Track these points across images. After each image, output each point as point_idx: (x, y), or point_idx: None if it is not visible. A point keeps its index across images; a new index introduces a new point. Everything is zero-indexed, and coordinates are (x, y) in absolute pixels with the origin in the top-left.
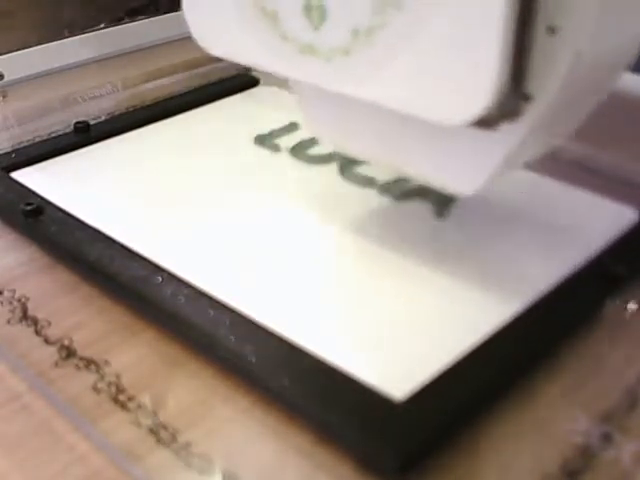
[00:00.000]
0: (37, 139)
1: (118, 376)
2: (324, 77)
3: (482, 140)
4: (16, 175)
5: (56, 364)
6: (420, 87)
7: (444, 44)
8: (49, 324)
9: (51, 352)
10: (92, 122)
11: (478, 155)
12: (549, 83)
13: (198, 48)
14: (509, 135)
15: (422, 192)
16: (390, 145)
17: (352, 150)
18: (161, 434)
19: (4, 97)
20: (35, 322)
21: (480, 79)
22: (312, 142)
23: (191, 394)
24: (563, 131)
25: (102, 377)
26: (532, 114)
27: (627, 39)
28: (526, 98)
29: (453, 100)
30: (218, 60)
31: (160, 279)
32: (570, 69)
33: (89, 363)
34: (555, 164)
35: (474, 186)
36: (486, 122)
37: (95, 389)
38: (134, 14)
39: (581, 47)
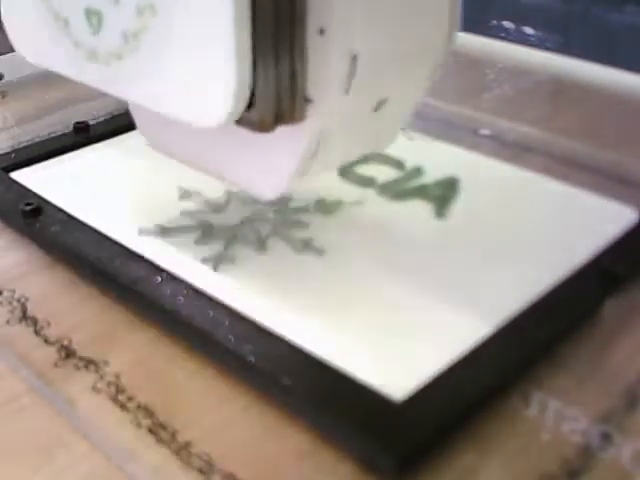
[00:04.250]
0: (37, 139)
1: (117, 376)
2: (105, 82)
3: (278, 144)
4: (16, 175)
5: (55, 364)
6: (176, 90)
7: (191, 49)
8: (48, 324)
9: (51, 352)
10: (92, 122)
11: (276, 159)
12: (327, 85)
13: None
14: (299, 137)
15: (422, 192)
16: (206, 151)
17: (175, 156)
18: (160, 434)
19: (4, 97)
20: (34, 322)
21: (220, 85)
22: None
23: (190, 394)
24: (384, 134)
25: (102, 377)
26: (317, 116)
27: (409, 43)
28: (307, 100)
29: (201, 104)
30: None
31: (160, 279)
32: (345, 70)
33: (89, 363)
34: (555, 164)
35: (277, 189)
36: (262, 125)
37: (95, 389)
38: None
39: (353, 47)
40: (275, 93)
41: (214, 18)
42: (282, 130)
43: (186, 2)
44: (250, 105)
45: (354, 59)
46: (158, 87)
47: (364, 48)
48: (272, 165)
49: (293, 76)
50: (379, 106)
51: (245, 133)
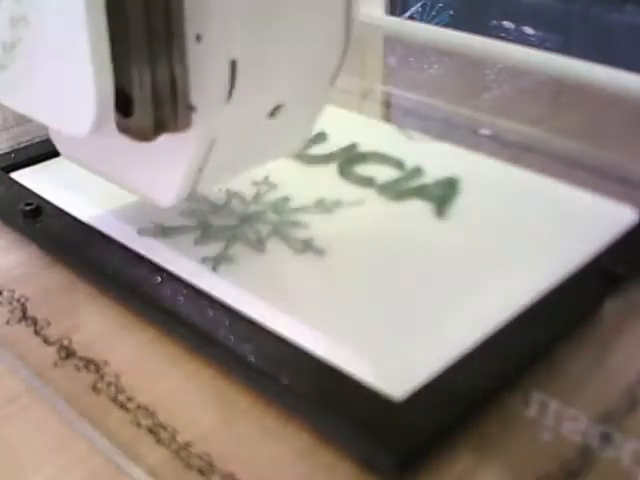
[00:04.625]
0: (37, 139)
1: (117, 376)
2: None
3: (166, 153)
4: (16, 175)
5: (55, 364)
6: (48, 99)
7: (58, 59)
8: (48, 324)
9: (50, 352)
10: None
11: (165, 168)
12: (209, 92)
13: None
14: (187, 145)
15: (422, 192)
16: (106, 161)
17: (85, 166)
18: (160, 434)
19: None
20: (34, 322)
21: (81, 94)
22: (311, 142)
23: (190, 394)
24: (289, 139)
25: (102, 377)
26: (202, 123)
27: (300, 47)
28: (191, 108)
29: (68, 113)
30: None
31: (160, 279)
32: (225, 77)
33: (88, 363)
34: (555, 164)
35: (171, 197)
36: (143, 133)
37: (95, 389)
38: None
39: (232, 53)
40: (153, 100)
41: (73, 31)
42: (169, 138)
43: (52, 13)
44: (130, 113)
45: (233, 65)
46: (33, 95)
47: (245, 54)
48: (162, 173)
49: (173, 83)
50: (275, 112)
51: (136, 142)
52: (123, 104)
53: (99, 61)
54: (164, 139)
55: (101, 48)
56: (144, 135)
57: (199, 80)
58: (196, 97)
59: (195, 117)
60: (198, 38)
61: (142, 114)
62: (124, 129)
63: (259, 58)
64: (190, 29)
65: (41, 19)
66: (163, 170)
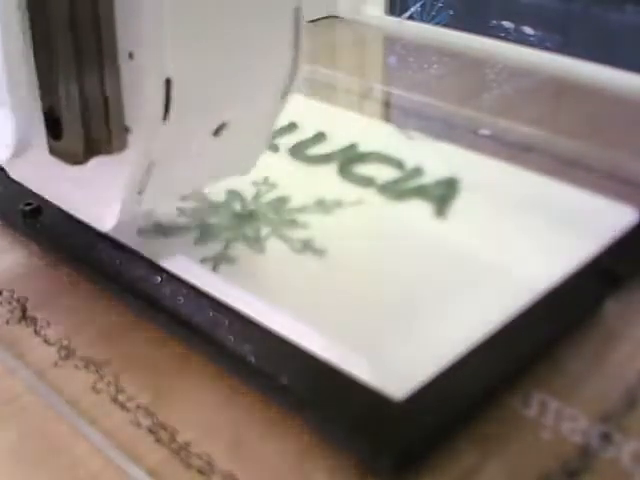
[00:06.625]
0: None
1: (117, 376)
2: None
3: (105, 175)
4: None
5: (55, 364)
6: None
7: None
8: (48, 324)
9: (50, 352)
10: None
11: (103, 190)
12: (144, 112)
13: None
14: (124, 167)
15: (422, 192)
16: (48, 182)
17: (31, 185)
18: (160, 434)
19: None
20: (34, 322)
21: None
22: (311, 142)
23: (190, 394)
24: (238, 158)
25: (101, 377)
26: (140, 145)
27: (243, 67)
28: (126, 130)
29: None
30: None
31: (160, 279)
32: (160, 96)
33: (88, 363)
34: (555, 164)
35: (111, 221)
36: (74, 156)
37: (95, 389)
38: None
39: (166, 71)
40: (83, 121)
41: None
42: (106, 161)
43: None
44: (59, 135)
45: (168, 83)
46: None
47: (181, 71)
48: (101, 197)
49: (105, 103)
50: (219, 130)
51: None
52: (53, 126)
53: (14, 87)
54: (101, 161)
55: (16, 71)
56: (75, 158)
57: (134, 100)
58: (131, 117)
59: (131, 138)
60: (130, 55)
61: (72, 136)
62: (56, 152)
63: (198, 75)
64: (123, 46)
65: None
66: (102, 194)
